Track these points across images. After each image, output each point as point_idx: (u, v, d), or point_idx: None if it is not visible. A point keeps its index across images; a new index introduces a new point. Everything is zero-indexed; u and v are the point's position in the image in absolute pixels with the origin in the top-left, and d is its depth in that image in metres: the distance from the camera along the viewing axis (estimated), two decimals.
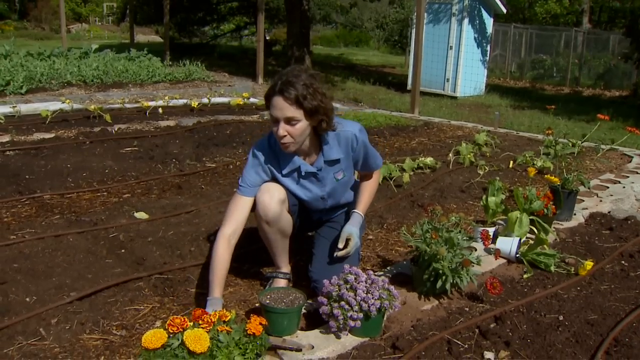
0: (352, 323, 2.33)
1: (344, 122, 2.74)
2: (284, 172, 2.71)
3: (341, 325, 2.35)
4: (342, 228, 2.83)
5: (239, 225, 2.63)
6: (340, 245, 2.71)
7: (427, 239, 2.73)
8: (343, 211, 3.06)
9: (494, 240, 3.40)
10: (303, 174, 2.71)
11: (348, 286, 2.40)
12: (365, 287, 2.40)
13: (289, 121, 2.48)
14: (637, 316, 2.71)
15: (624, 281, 3.17)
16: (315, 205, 2.88)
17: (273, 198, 2.64)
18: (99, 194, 4.36)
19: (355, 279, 2.42)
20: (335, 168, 2.76)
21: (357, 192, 2.94)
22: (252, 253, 3.31)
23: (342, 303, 2.35)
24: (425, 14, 12.84)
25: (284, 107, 2.45)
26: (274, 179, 2.73)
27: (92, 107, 7.14)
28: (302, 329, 2.49)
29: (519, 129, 8.49)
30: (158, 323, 2.59)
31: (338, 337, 2.39)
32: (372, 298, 2.36)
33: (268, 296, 2.47)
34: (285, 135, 2.50)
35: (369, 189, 2.93)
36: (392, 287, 2.47)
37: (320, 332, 2.43)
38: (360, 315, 2.34)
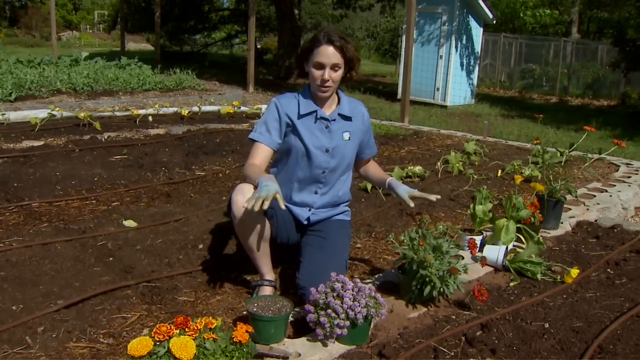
0: (338, 331, 2.34)
1: (355, 100, 3.15)
2: (302, 112, 2.92)
3: (328, 333, 2.36)
4: (331, 234, 3.01)
5: (264, 163, 2.88)
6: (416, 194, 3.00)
7: (414, 246, 2.75)
8: (330, 217, 3.08)
9: (481, 249, 3.42)
10: (316, 118, 2.94)
11: (335, 294, 2.41)
12: (352, 295, 2.41)
13: (334, 67, 2.81)
14: (622, 323, 2.74)
15: (610, 289, 3.19)
16: (320, 163, 2.94)
17: (246, 198, 2.63)
18: (87, 202, 4.35)
19: (342, 287, 2.43)
20: (345, 126, 3.01)
21: (370, 175, 3.31)
22: (240, 262, 3.31)
23: (329, 311, 2.36)
24: (416, 24, 12.93)
25: (332, 55, 2.79)
26: (292, 125, 2.92)
27: (82, 114, 7.14)
28: (289, 337, 2.49)
29: (508, 138, 8.55)
30: (145, 331, 2.59)
31: (325, 345, 2.39)
32: (359, 306, 2.37)
33: (255, 304, 2.48)
34: (329, 80, 2.81)
35: (376, 166, 3.33)
36: (378, 295, 2.49)
37: (307, 339, 2.44)
38: (347, 323, 2.35)
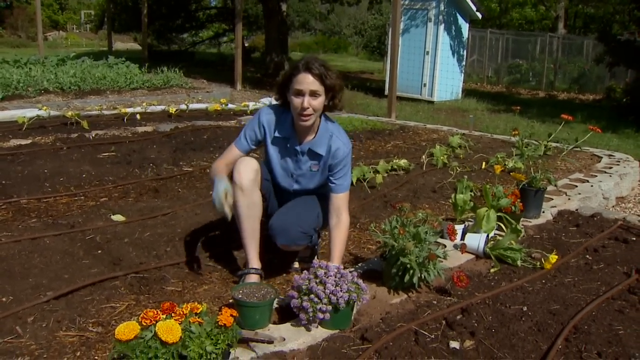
0: (321, 315, 2.41)
1: (342, 134, 3.05)
2: (275, 135, 3.00)
3: (311, 318, 2.43)
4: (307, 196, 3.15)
5: (230, 163, 2.96)
6: None
7: (395, 235, 2.82)
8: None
9: (462, 237, 3.50)
10: (288, 145, 3.00)
11: (317, 280, 2.48)
12: (335, 281, 2.48)
13: (313, 94, 2.81)
14: (597, 305, 2.83)
15: (587, 274, 3.28)
16: (284, 185, 3.11)
17: (247, 166, 2.87)
18: (76, 198, 4.39)
19: (324, 273, 2.50)
20: (314, 161, 3.03)
21: (330, 241, 2.96)
22: (226, 253, 3.38)
23: (312, 296, 2.43)
24: (402, 20, 13.01)
25: (310, 82, 2.79)
26: (264, 141, 3.03)
27: (70, 113, 7.16)
28: (274, 323, 2.56)
29: (494, 132, 8.63)
30: (134, 320, 2.64)
31: (308, 330, 2.46)
32: (341, 291, 2.44)
33: (240, 291, 2.54)
34: (308, 108, 2.81)
35: (340, 235, 2.94)
36: (360, 281, 2.56)
37: (291, 325, 2.51)
38: (329, 307, 2.42)
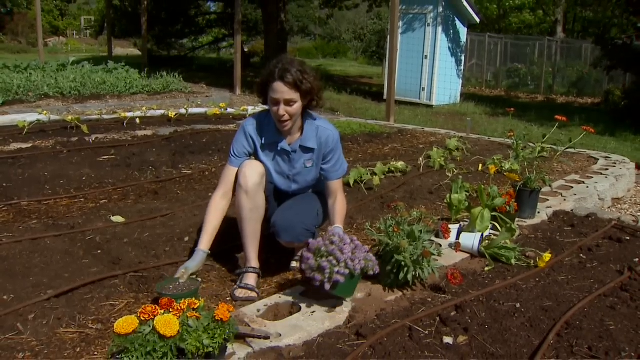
0: (338, 277, 2.52)
1: (328, 124, 3.12)
2: (264, 142, 3.04)
3: (326, 279, 2.53)
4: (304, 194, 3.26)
5: (229, 189, 3.00)
6: None
7: (390, 233, 2.87)
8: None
9: (458, 237, 3.54)
10: (279, 149, 3.04)
11: (334, 246, 2.58)
12: (351, 248, 2.59)
13: (288, 102, 2.85)
14: (589, 302, 2.87)
15: (581, 272, 3.32)
16: (282, 188, 3.16)
17: (254, 170, 2.92)
18: (76, 200, 4.44)
19: (340, 241, 2.61)
20: (307, 156, 3.09)
21: (331, 213, 3.11)
22: (225, 252, 3.42)
23: (331, 258, 2.53)
24: (400, 24, 13.08)
25: (284, 91, 2.82)
26: (255, 151, 3.07)
27: (70, 118, 7.22)
28: (270, 320, 2.60)
29: (492, 135, 8.68)
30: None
31: (305, 326, 2.51)
32: (358, 258, 2.56)
33: (170, 286, 2.62)
34: (284, 115, 2.86)
35: (339, 207, 3.08)
36: (371, 255, 2.68)
37: (287, 321, 2.55)
38: (347, 271, 2.53)
